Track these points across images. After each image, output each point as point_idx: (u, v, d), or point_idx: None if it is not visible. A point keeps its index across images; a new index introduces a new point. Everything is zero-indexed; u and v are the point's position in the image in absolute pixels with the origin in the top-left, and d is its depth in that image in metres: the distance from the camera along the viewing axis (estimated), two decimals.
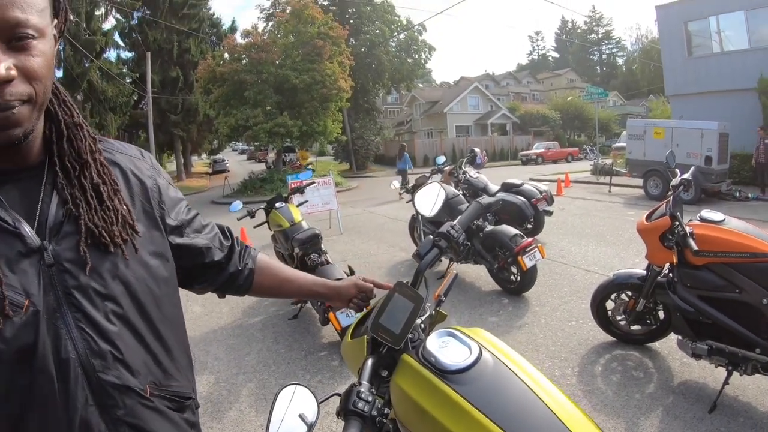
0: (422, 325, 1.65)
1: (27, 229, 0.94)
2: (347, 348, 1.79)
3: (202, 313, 6.72)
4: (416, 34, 42.99)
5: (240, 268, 1.43)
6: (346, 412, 1.23)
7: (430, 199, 1.87)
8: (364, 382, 1.30)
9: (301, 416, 1.35)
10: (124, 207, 1.07)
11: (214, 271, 1.38)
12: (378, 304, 1.49)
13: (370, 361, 1.41)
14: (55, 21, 0.98)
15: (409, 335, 1.47)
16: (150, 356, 1.07)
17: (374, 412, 1.25)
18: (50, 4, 0.95)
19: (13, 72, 0.85)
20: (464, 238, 1.74)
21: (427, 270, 1.68)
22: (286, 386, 1.42)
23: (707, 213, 3.78)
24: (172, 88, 36.64)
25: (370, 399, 1.25)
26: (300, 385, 1.43)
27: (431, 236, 1.73)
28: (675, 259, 3.81)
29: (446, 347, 1.43)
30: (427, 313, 1.71)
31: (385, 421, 1.29)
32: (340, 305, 1.67)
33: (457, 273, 1.97)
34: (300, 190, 7.35)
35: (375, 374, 1.43)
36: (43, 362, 0.90)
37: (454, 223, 1.76)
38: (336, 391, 1.41)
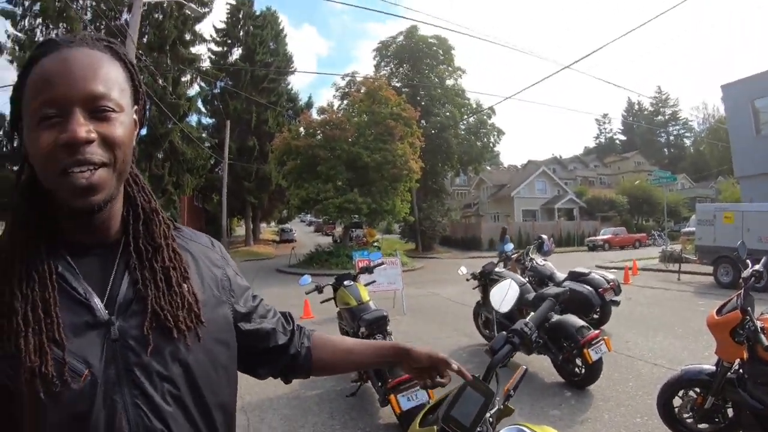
0: (491, 419, 1.67)
1: (97, 302, 0.99)
2: None
3: (259, 381, 6.75)
4: (485, 117, 43.64)
5: (299, 349, 1.41)
6: None
7: (506, 295, 1.92)
8: None
9: None
10: (192, 295, 1.10)
11: (277, 354, 1.38)
12: (450, 396, 1.53)
13: None
14: (136, 107, 1.08)
15: (479, 429, 1.49)
16: None
17: None
18: (131, 89, 1.05)
19: (94, 135, 0.93)
20: (537, 336, 1.78)
21: (499, 367, 1.72)
22: None
23: None
24: (248, 156, 38.18)
25: None
26: None
27: (504, 332, 1.77)
28: (746, 355, 3.68)
29: None
30: (496, 407, 1.74)
31: None
32: (406, 371, 1.52)
33: (527, 368, 1.99)
34: (369, 269, 7.44)
35: None
36: (95, 430, 0.93)
37: (528, 320, 1.80)
38: None
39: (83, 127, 0.91)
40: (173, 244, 1.13)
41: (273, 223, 63.01)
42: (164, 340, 1.02)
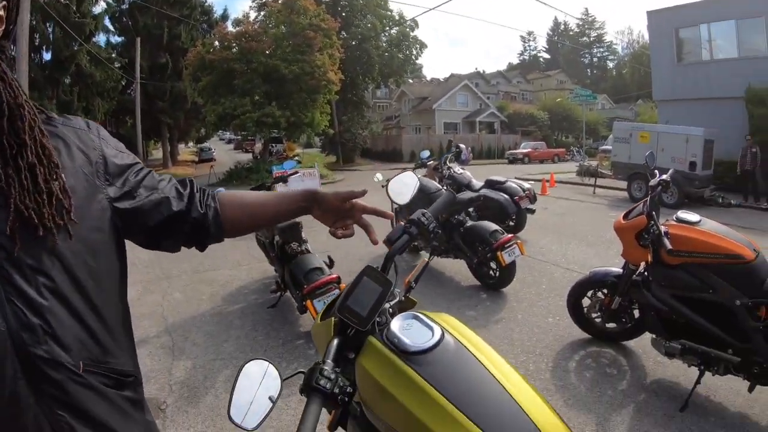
0: (390, 310, 1.67)
1: None
2: (316, 330, 1.81)
3: (182, 299, 6.71)
4: (408, 29, 42.91)
5: (203, 211, 1.33)
6: (308, 388, 1.25)
7: (405, 187, 1.89)
8: (328, 361, 1.32)
9: (265, 392, 1.37)
10: (63, 191, 1.05)
11: (177, 222, 1.31)
12: (346, 287, 1.51)
13: (335, 342, 1.42)
14: (4, 3, 1.02)
15: (377, 319, 1.49)
16: (86, 332, 1.06)
17: (336, 390, 1.27)
18: None
19: None
20: (435, 226, 1.76)
21: (396, 255, 1.71)
22: (251, 360, 1.43)
23: (684, 214, 3.82)
24: (160, 74, 36.33)
25: (332, 377, 1.27)
26: (265, 360, 1.43)
27: (401, 223, 1.75)
28: (650, 258, 3.85)
29: (410, 329, 1.45)
30: (396, 299, 1.73)
31: (347, 399, 1.31)
32: (318, 217, 1.47)
33: (429, 261, 2.00)
34: (283, 179, 7.30)
35: (341, 356, 1.44)
36: None
37: (425, 211, 1.78)
38: (300, 369, 1.42)
39: None
40: (42, 138, 1.06)
41: (191, 144, 61.07)
42: (33, 237, 0.98)
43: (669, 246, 3.46)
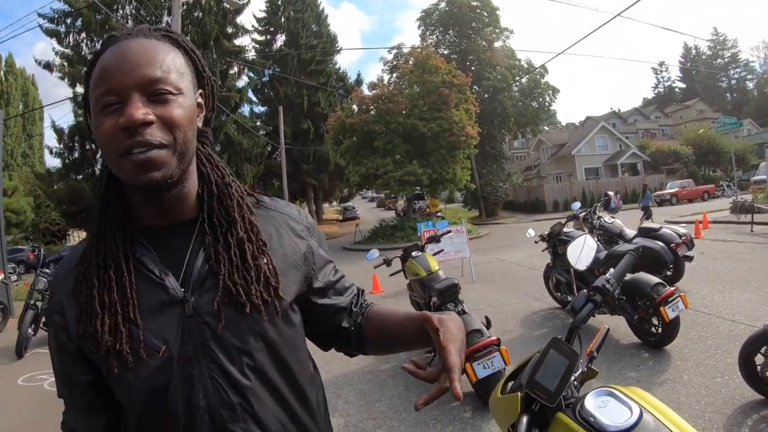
0: (575, 383, 1.62)
1: (172, 281, 1.03)
2: (497, 403, 1.78)
3: (334, 356, 6.81)
4: (538, 76, 42.64)
5: (352, 327, 1.32)
6: None
7: (584, 251, 1.85)
8: None
9: None
10: (271, 268, 1.10)
11: (338, 333, 1.32)
12: (532, 360, 1.48)
13: (525, 419, 1.39)
14: (201, 91, 1.12)
15: (563, 392, 1.44)
16: (286, 413, 1.09)
17: None
18: (193, 74, 1.09)
19: (151, 117, 0.95)
20: (619, 292, 1.69)
21: (582, 325, 1.65)
22: None
23: None
24: (303, 139, 38.61)
25: None
26: None
27: (585, 290, 1.70)
28: None
29: (606, 407, 1.39)
30: (580, 370, 1.68)
31: None
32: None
33: (609, 328, 1.91)
34: (436, 239, 7.40)
35: None
36: (174, 406, 0.99)
37: (609, 276, 1.72)
38: None
39: (140, 110, 0.94)
40: (249, 216, 1.14)
41: (335, 203, 63.72)
42: (240, 315, 1.04)
43: None
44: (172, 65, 1.01)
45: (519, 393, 1.56)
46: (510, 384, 1.80)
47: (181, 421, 0.99)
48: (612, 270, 1.80)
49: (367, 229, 28.92)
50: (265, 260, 1.10)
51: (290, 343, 1.11)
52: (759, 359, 4.36)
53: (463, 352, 1.06)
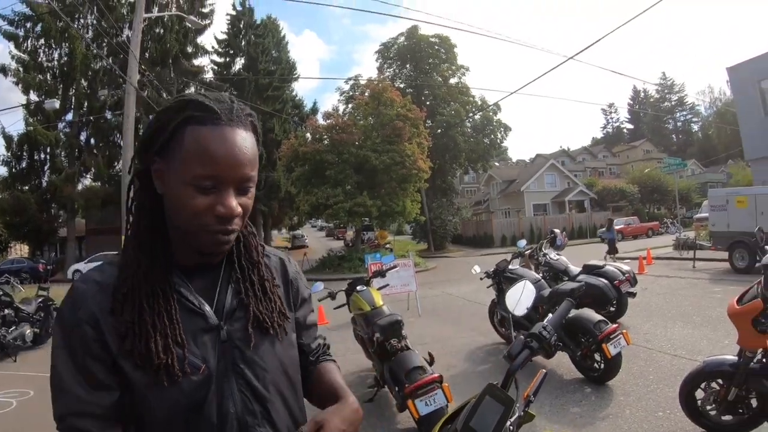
0: (511, 427, 1.61)
1: (209, 310, 1.22)
2: None
3: None
4: (491, 113, 43.63)
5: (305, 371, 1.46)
6: None
7: (520, 295, 1.85)
8: None
9: None
10: (279, 300, 1.35)
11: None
12: (468, 406, 1.47)
13: None
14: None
15: None
16: (292, 420, 1.30)
17: None
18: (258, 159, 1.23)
19: (240, 210, 1.15)
20: (556, 339, 1.70)
21: (517, 372, 1.65)
22: None
23: None
24: None
25: None
26: None
27: (522, 337, 1.70)
28: None
29: None
30: (516, 414, 1.67)
31: None
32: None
33: (547, 372, 1.92)
34: (382, 273, 7.37)
35: None
36: (209, 414, 1.16)
37: (546, 323, 1.73)
38: None
39: (237, 205, 1.14)
40: (265, 260, 1.38)
41: (284, 230, 63.12)
42: (262, 338, 1.27)
43: None
44: (256, 160, 1.18)
45: None
46: (448, 428, 1.78)
47: (215, 427, 1.17)
48: (550, 316, 1.81)
49: (315, 259, 28.75)
50: (277, 294, 1.35)
51: (294, 363, 1.35)
52: (699, 394, 4.45)
53: None
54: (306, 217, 37.84)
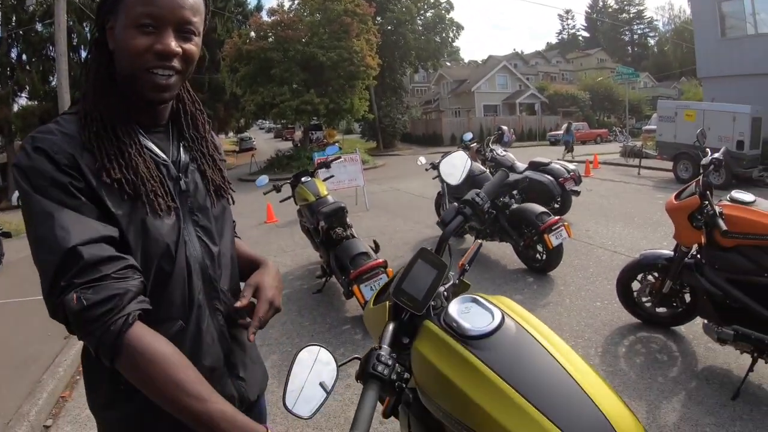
0: (445, 293, 1.62)
1: (168, 161, 1.32)
2: (369, 315, 1.77)
3: None
4: (443, 12, 42.53)
5: None
6: (365, 375, 1.21)
7: (457, 167, 1.83)
8: (385, 346, 1.28)
9: (317, 378, 1.35)
10: (224, 172, 1.52)
11: None
12: (401, 271, 1.47)
13: (391, 326, 1.38)
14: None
15: (432, 302, 1.43)
16: (231, 271, 1.47)
17: (393, 376, 1.22)
18: (204, 15, 1.29)
19: (179, 50, 1.19)
20: (489, 206, 1.70)
21: (451, 238, 1.65)
22: (307, 347, 1.43)
23: (738, 194, 3.64)
24: (198, 67, 36.35)
25: (389, 362, 1.22)
26: (320, 346, 1.43)
27: (456, 203, 1.69)
28: (703, 240, 3.70)
29: (468, 313, 1.40)
30: (450, 282, 1.68)
31: (404, 386, 1.26)
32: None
33: (482, 243, 1.94)
34: (326, 164, 7.31)
35: (396, 341, 1.40)
36: (180, 257, 1.26)
37: (480, 191, 1.71)
38: (356, 355, 1.39)
39: (174, 43, 1.18)
40: (211, 138, 1.51)
41: (231, 133, 61.73)
42: (216, 200, 1.42)
43: (724, 227, 3.31)
44: (198, 9, 1.23)
45: (387, 302, 1.55)
46: (382, 296, 1.79)
47: (183, 268, 1.27)
48: (485, 186, 1.80)
49: (263, 160, 28.44)
50: (220, 167, 1.50)
51: (229, 224, 1.49)
52: (635, 285, 4.62)
53: (278, 294, 1.53)
54: (252, 117, 36.89)
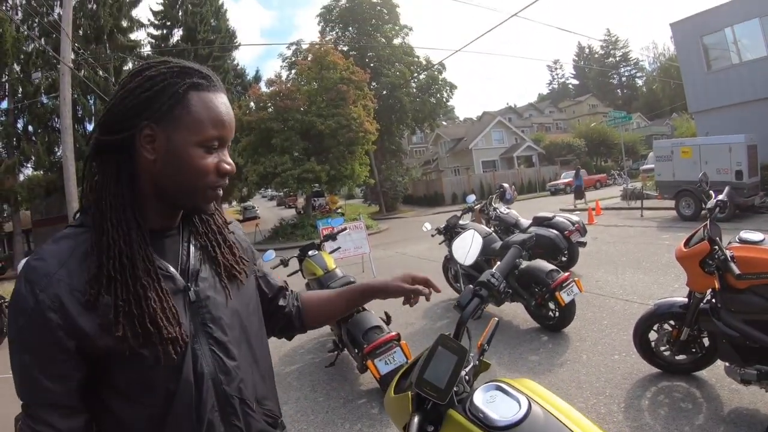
0: (467, 377, 1.61)
1: (175, 272, 1.23)
2: (391, 403, 1.75)
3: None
4: (436, 73, 43.42)
5: (292, 309, 1.66)
6: None
7: (466, 245, 1.84)
8: None
9: None
10: (238, 244, 1.44)
11: (278, 314, 1.64)
12: (421, 358, 1.46)
13: (416, 420, 1.37)
14: None
15: (454, 389, 1.42)
16: (258, 377, 1.36)
17: None
18: None
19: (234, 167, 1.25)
20: (505, 286, 1.70)
21: (469, 321, 1.64)
22: None
23: (746, 234, 3.66)
24: None
25: None
26: None
27: (471, 286, 1.69)
28: (717, 284, 3.67)
29: (494, 401, 1.38)
30: (471, 365, 1.67)
31: None
32: (396, 296, 1.73)
33: (499, 320, 1.92)
34: (332, 236, 7.32)
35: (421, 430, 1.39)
36: (187, 374, 1.17)
37: (494, 271, 1.72)
38: None
39: (231, 163, 1.25)
40: (218, 212, 1.42)
41: (234, 203, 62.13)
42: (231, 288, 1.32)
43: (737, 271, 3.31)
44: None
45: (409, 392, 1.53)
46: (403, 382, 1.77)
47: (192, 386, 1.18)
48: (498, 263, 1.81)
49: (267, 229, 28.51)
50: (234, 241, 1.43)
51: (251, 322, 1.38)
52: (652, 335, 4.56)
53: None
54: (255, 187, 37.26)
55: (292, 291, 1.71)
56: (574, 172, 25.59)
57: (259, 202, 70.20)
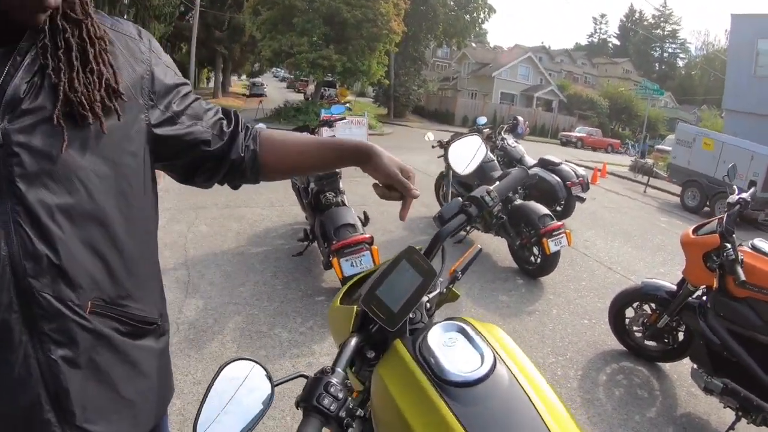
0: (428, 304, 1.33)
1: None
2: (334, 313, 1.47)
3: (208, 233, 6.49)
4: None
5: (242, 154, 1.22)
6: (307, 405, 0.92)
7: (468, 153, 1.52)
8: (339, 371, 0.99)
9: (246, 407, 1.02)
10: (111, 69, 0.94)
11: (214, 162, 1.20)
12: (379, 270, 1.17)
13: (353, 342, 1.09)
14: None
15: (410, 315, 1.14)
16: (102, 269, 0.95)
17: (342, 413, 0.93)
18: None
19: None
20: (500, 209, 1.39)
21: (447, 238, 1.34)
22: (235, 361, 1.08)
23: (761, 243, 3.40)
24: (220, 4, 36.20)
25: (340, 396, 0.93)
26: (254, 362, 1.08)
27: (460, 199, 1.37)
28: (714, 284, 3.44)
29: (453, 347, 1.10)
30: (437, 290, 1.39)
31: (353, 425, 0.96)
32: (372, 175, 1.30)
33: (481, 248, 1.63)
34: (329, 123, 6.96)
35: (359, 355, 1.12)
36: None
37: (491, 188, 1.40)
38: (302, 373, 1.09)
39: None
40: (104, 27, 0.97)
41: (244, 77, 61.02)
42: (75, 137, 0.88)
43: (742, 276, 3.05)
44: None
45: (355, 307, 1.24)
46: (356, 291, 1.50)
47: None
48: (498, 183, 1.48)
49: (270, 108, 27.96)
50: (108, 62, 0.94)
51: (111, 189, 0.95)
52: (629, 312, 4.41)
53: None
54: (267, 64, 36.37)
55: (247, 128, 1.26)
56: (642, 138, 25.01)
57: (270, 81, 69.11)
